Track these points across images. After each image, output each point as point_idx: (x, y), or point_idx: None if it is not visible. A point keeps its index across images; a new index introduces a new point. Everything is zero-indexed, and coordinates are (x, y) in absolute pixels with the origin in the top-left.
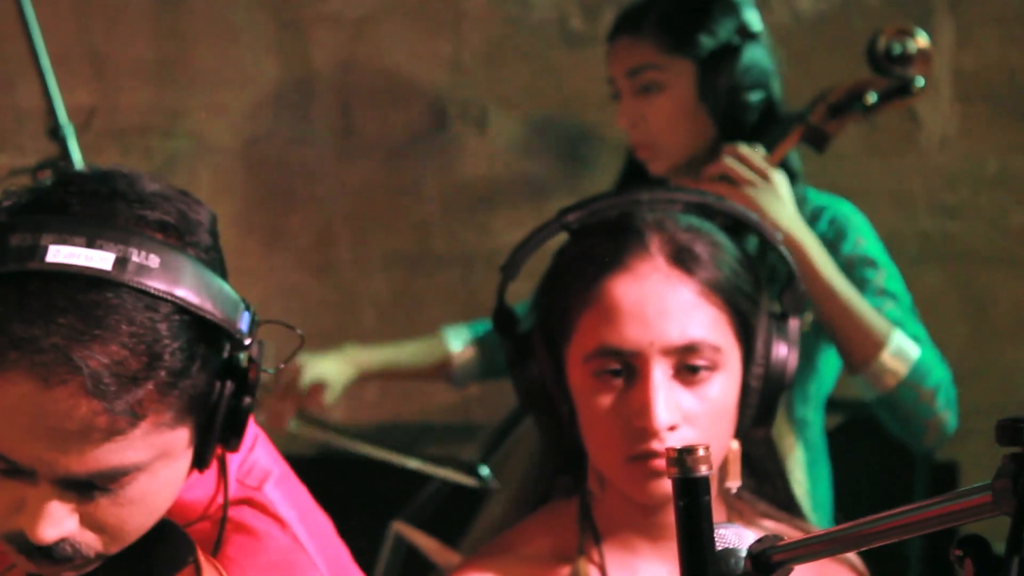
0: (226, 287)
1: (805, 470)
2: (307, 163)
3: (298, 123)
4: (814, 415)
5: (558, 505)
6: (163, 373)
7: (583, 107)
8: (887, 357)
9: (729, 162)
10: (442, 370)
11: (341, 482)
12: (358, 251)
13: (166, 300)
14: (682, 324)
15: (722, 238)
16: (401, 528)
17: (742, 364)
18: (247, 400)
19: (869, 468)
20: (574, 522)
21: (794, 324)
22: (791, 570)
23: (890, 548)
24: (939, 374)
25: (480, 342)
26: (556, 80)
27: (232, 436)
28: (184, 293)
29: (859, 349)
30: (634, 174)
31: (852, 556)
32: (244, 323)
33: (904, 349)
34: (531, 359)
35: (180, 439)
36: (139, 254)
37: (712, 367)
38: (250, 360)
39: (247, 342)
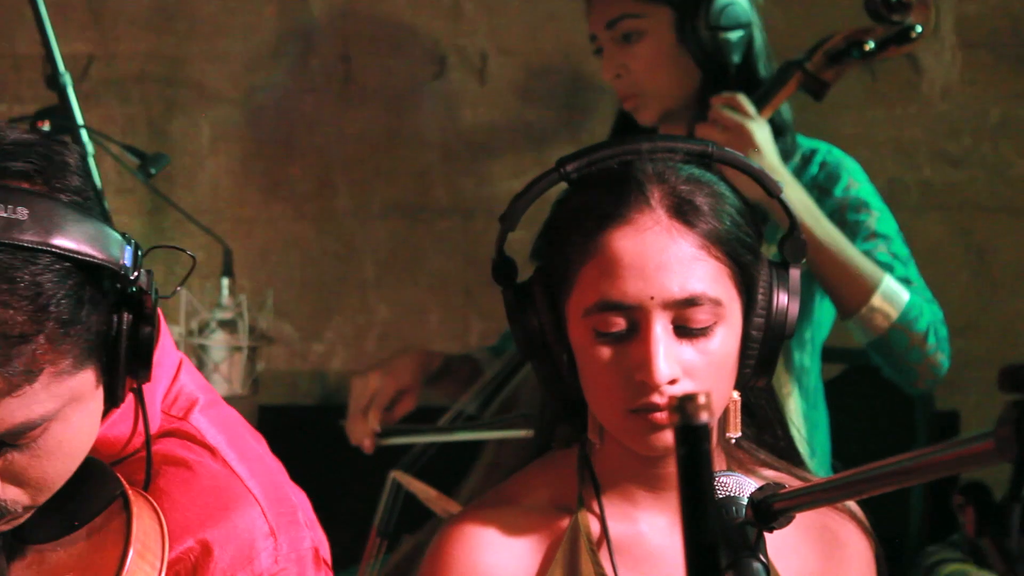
0: (104, 226)
1: (802, 416)
2: (306, 112)
3: (298, 71)
4: (811, 361)
5: (558, 454)
6: (51, 324)
7: (583, 55)
8: (877, 302)
9: (707, 130)
10: (472, 363)
11: (341, 431)
12: (358, 200)
13: (42, 251)
14: (683, 278)
15: (723, 188)
16: (400, 477)
17: (743, 315)
18: (146, 330)
19: (870, 417)
20: (574, 472)
21: (795, 273)
22: (792, 518)
23: (892, 496)
24: (929, 316)
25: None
26: (556, 28)
27: (139, 368)
28: (60, 240)
29: (849, 295)
30: (624, 126)
31: (852, 505)
32: (128, 257)
33: (894, 293)
34: (530, 309)
35: (86, 382)
36: (6, 208)
37: (713, 320)
38: (141, 291)
39: (134, 276)
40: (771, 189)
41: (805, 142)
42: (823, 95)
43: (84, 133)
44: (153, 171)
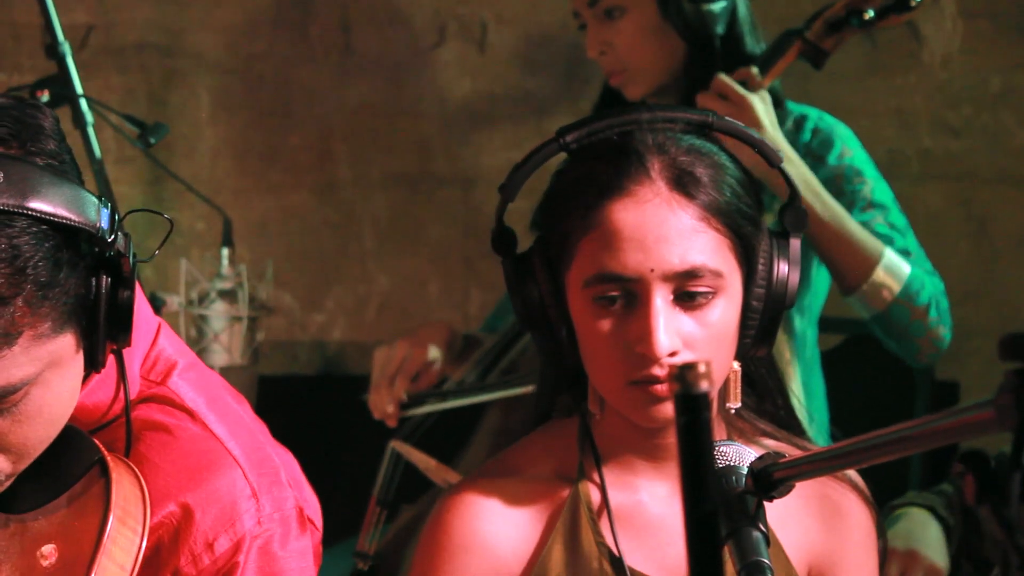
0: (80, 189)
1: (800, 384)
2: (306, 81)
3: (297, 41)
4: (809, 329)
5: (558, 424)
6: (29, 287)
7: None
8: (879, 276)
9: (709, 101)
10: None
11: (341, 401)
12: (357, 170)
13: (18, 214)
14: (683, 250)
15: (723, 159)
16: (399, 446)
17: (743, 285)
18: (125, 294)
19: (869, 388)
20: (575, 442)
21: (795, 243)
22: (792, 487)
23: (891, 467)
24: (930, 289)
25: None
26: None
27: (119, 332)
28: (36, 204)
29: (851, 271)
30: (610, 103)
31: (853, 474)
32: (105, 220)
33: (895, 267)
34: (530, 280)
35: (66, 345)
36: None
37: (713, 292)
38: (119, 255)
39: (111, 239)
40: (771, 159)
41: (795, 108)
42: (822, 64)
43: (83, 103)
44: (153, 141)
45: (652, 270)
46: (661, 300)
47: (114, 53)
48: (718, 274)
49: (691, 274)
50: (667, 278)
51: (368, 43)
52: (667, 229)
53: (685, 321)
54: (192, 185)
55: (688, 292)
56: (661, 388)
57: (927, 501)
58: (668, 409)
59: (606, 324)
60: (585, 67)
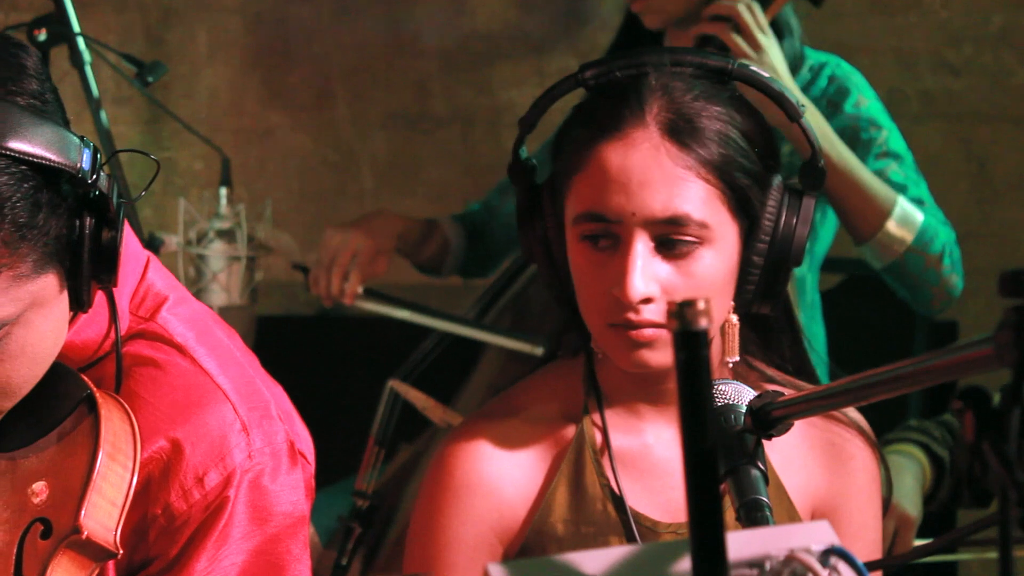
0: (62, 129)
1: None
2: (305, 20)
3: None
4: (809, 274)
5: (563, 364)
6: (7, 227)
7: None
8: (892, 226)
9: (722, 27)
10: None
11: (339, 341)
12: (356, 109)
13: None
14: (666, 197)
15: (731, 108)
16: (397, 386)
17: (742, 239)
18: (108, 234)
19: (868, 328)
20: (580, 383)
21: (808, 202)
22: (791, 425)
23: (889, 403)
24: (944, 237)
25: (470, 233)
26: None
27: (103, 272)
28: (15, 143)
29: (864, 220)
30: (631, 28)
31: (858, 418)
32: (86, 161)
33: (909, 215)
34: (536, 213)
35: (48, 286)
36: None
37: (697, 242)
38: (103, 196)
39: (92, 179)
40: (792, 113)
41: (813, 55)
42: (821, 1)
43: (81, 41)
44: (150, 79)
45: (633, 214)
46: (642, 245)
47: None
48: (703, 225)
49: (673, 222)
50: (648, 224)
51: None
52: (652, 175)
53: (664, 269)
54: (190, 124)
55: (670, 239)
56: (637, 333)
57: (922, 436)
58: (647, 355)
59: (591, 264)
60: (584, 6)
